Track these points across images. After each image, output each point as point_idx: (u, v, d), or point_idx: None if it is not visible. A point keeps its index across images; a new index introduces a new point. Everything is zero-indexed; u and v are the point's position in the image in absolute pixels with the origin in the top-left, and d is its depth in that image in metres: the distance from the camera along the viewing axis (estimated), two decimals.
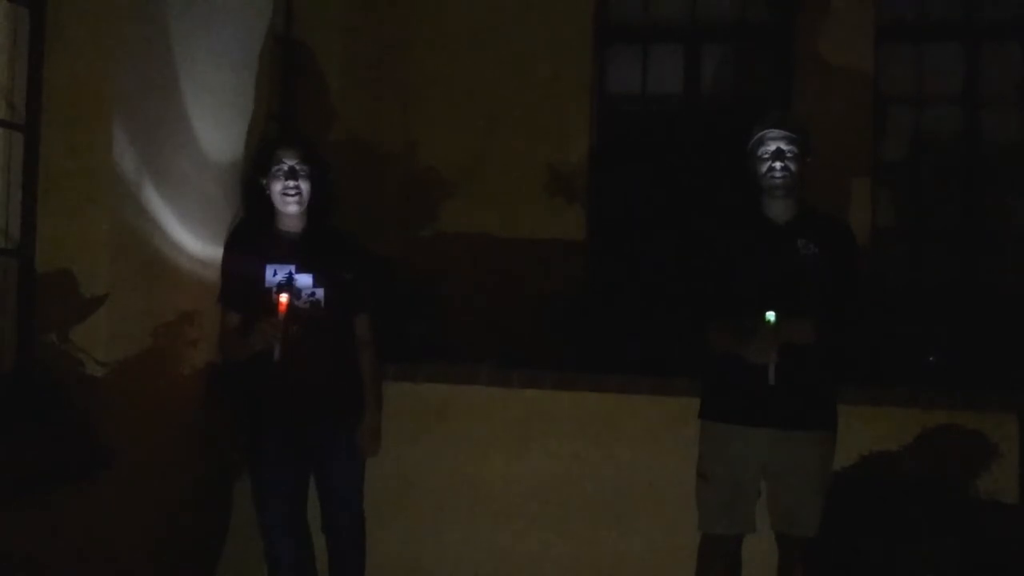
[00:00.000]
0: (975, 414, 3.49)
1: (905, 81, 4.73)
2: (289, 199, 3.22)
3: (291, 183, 3.20)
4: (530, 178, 4.70)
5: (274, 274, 3.20)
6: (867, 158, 4.59)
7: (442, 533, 3.77)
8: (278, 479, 3.28)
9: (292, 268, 3.21)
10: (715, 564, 3.16)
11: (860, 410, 3.41)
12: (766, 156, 3.04)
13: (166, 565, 3.28)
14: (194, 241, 3.30)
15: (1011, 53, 4.67)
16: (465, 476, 3.77)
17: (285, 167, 3.20)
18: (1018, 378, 3.69)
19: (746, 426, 3.05)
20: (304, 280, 3.21)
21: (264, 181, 3.27)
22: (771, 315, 2.88)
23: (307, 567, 3.41)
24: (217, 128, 3.42)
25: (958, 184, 4.70)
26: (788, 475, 3.06)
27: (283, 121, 4.30)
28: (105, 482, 2.91)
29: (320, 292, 3.23)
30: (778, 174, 3.03)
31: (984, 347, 4.18)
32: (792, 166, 3.04)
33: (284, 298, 3.05)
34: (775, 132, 3.05)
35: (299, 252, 3.25)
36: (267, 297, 3.12)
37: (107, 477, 2.91)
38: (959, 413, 3.50)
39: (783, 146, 3.03)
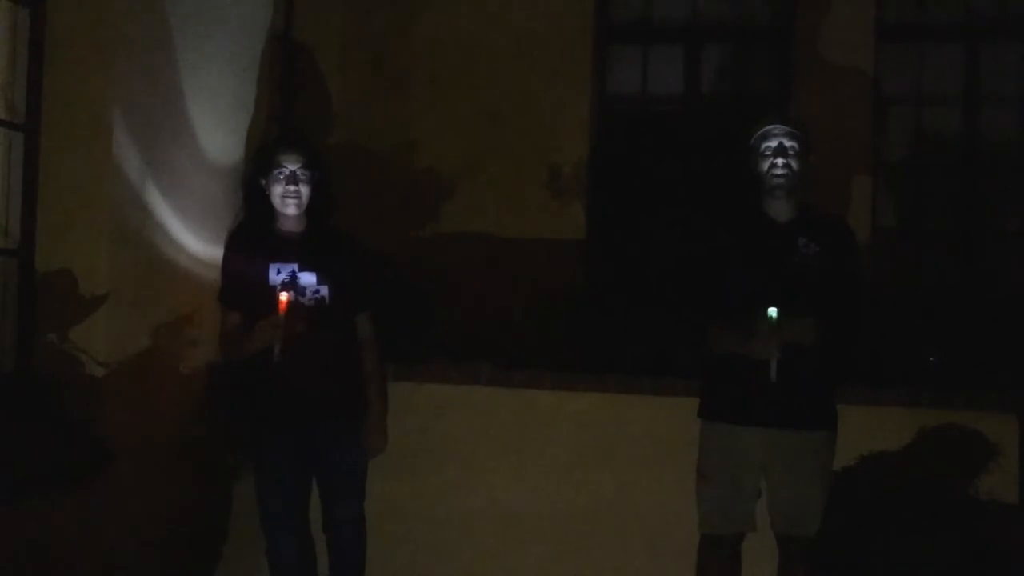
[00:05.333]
0: (975, 414, 3.49)
1: (905, 81, 4.73)
2: (289, 201, 3.22)
3: (291, 188, 3.19)
4: (530, 178, 4.70)
5: (277, 273, 3.20)
6: (867, 158, 4.59)
7: (442, 532, 3.77)
8: (279, 478, 3.28)
9: (295, 267, 3.21)
10: (715, 564, 3.16)
11: (860, 410, 3.41)
12: (768, 152, 3.04)
13: (166, 565, 3.28)
14: (194, 241, 3.30)
15: (1011, 53, 4.67)
16: (465, 476, 3.77)
17: (286, 171, 3.19)
18: (1018, 378, 3.69)
19: (746, 426, 3.05)
20: (307, 278, 3.22)
21: (264, 182, 3.26)
22: (773, 312, 2.87)
23: (308, 567, 3.41)
24: (217, 128, 3.42)
25: (958, 184, 4.70)
26: (788, 475, 3.06)
27: (283, 121, 4.30)
28: (105, 482, 2.92)
29: (324, 290, 3.23)
30: (780, 170, 3.03)
31: (984, 347, 4.18)
32: (794, 164, 3.04)
33: (284, 296, 3.05)
34: (779, 128, 3.05)
35: (301, 252, 3.25)
36: (271, 296, 3.11)
37: (107, 477, 2.92)
38: (959, 413, 3.50)
39: (786, 142, 3.03)
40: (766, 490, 3.12)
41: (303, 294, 3.19)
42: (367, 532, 3.44)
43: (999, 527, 3.38)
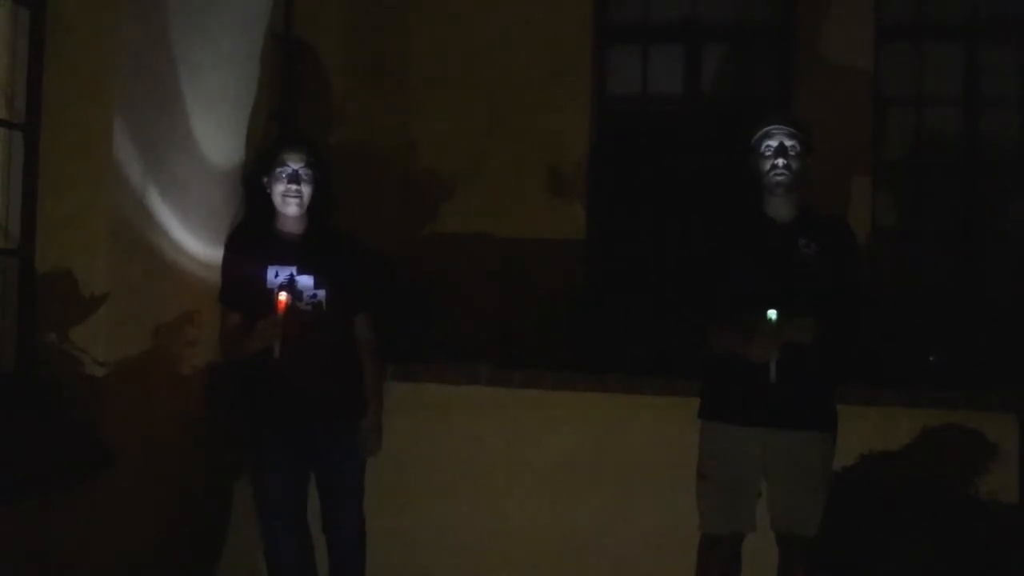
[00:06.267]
0: (975, 414, 3.49)
1: (905, 81, 4.73)
2: (291, 200, 3.21)
3: (293, 187, 3.18)
4: (530, 178, 4.70)
5: (276, 275, 3.20)
6: (867, 158, 4.59)
7: (443, 533, 3.77)
8: (279, 478, 3.28)
9: (293, 270, 3.20)
10: (715, 563, 3.15)
11: (860, 410, 3.41)
12: (768, 153, 3.04)
13: (166, 565, 3.28)
14: (194, 241, 3.30)
15: (1011, 53, 4.67)
16: (465, 476, 3.77)
17: (288, 170, 3.19)
18: (1018, 378, 3.69)
19: (746, 426, 3.05)
20: (305, 281, 3.21)
21: (266, 180, 3.26)
22: (772, 313, 2.87)
23: (307, 567, 3.41)
24: (217, 128, 3.42)
25: (958, 184, 4.70)
26: (788, 475, 3.06)
27: (283, 121, 4.30)
28: (105, 482, 2.92)
29: (321, 293, 3.23)
30: (780, 171, 3.03)
31: (984, 347, 4.18)
32: (794, 164, 3.04)
33: (283, 297, 3.05)
34: (780, 128, 3.05)
35: (300, 253, 3.25)
36: (269, 298, 3.11)
37: (107, 477, 2.92)
38: (959, 413, 3.50)
39: (786, 141, 3.03)
40: (766, 490, 3.12)
41: (300, 297, 3.19)
42: (367, 531, 3.44)
43: (999, 527, 3.38)
